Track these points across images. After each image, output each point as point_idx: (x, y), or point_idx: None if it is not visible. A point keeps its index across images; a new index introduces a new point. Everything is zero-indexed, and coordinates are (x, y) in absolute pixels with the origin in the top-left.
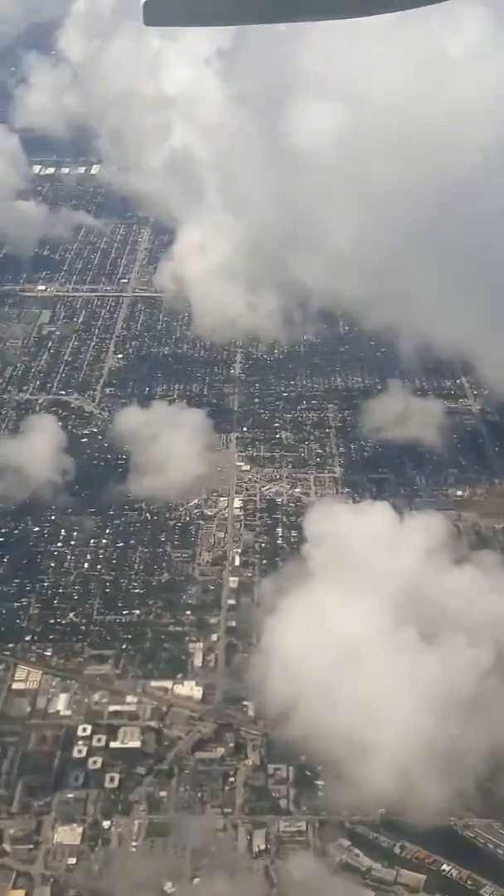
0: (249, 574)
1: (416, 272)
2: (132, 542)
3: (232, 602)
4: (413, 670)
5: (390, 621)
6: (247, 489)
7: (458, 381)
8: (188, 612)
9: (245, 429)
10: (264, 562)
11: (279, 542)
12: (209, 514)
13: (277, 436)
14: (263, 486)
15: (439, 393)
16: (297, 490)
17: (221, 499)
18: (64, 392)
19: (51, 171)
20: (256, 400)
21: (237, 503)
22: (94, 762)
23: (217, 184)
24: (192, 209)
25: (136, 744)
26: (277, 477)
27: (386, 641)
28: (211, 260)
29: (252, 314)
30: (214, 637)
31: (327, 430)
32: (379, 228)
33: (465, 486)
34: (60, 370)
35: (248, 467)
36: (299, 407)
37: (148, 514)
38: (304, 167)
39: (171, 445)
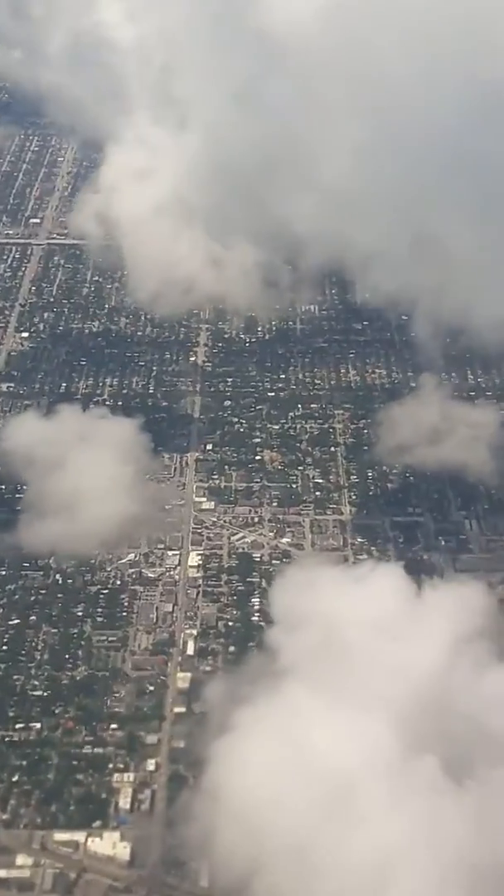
0: (208, 668)
1: (456, 214)
2: (32, 619)
3: (180, 711)
4: (433, 823)
5: (401, 747)
6: (209, 538)
7: None
8: (114, 727)
9: (210, 447)
10: (231, 649)
11: (254, 619)
12: (151, 576)
13: (258, 457)
14: (234, 535)
15: (495, 393)
16: (284, 540)
17: (170, 553)
18: None
19: None
20: (228, 403)
21: (194, 560)
22: None
23: (162, 81)
24: (129, 117)
25: None
26: (256, 520)
27: (394, 778)
28: (156, 192)
29: (218, 274)
30: (151, 765)
31: (333, 450)
32: (399, 147)
33: None
34: None
35: (211, 505)
36: (291, 414)
37: (58, 578)
38: (286, 58)
39: (93, 473)
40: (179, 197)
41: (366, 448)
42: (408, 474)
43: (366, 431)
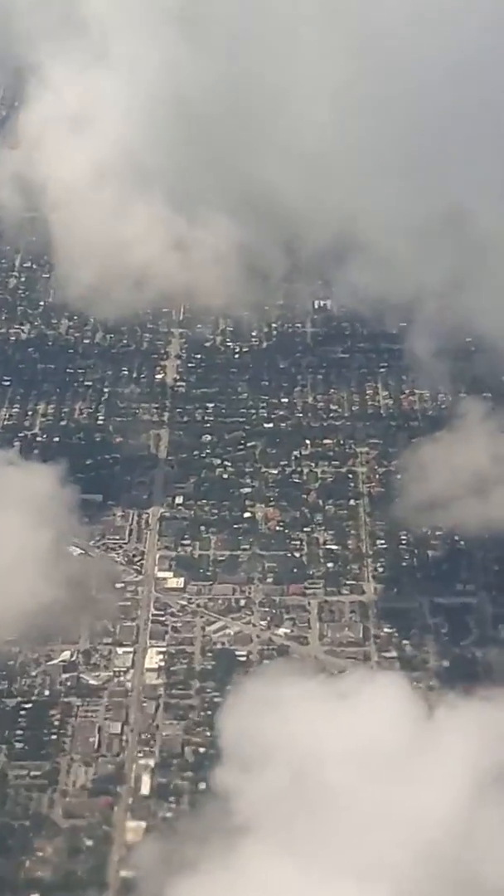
0: (169, 814)
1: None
2: None
3: (128, 876)
4: None
5: None
6: (175, 630)
7: None
8: None
9: (180, 500)
10: (201, 786)
11: None
12: (93, 683)
13: (247, 514)
14: (211, 624)
15: None
16: (281, 631)
17: (120, 651)
18: None
19: None
20: (207, 439)
21: (153, 660)
22: None
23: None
24: (56, 45)
25: None
26: (242, 603)
27: None
28: (96, 147)
29: (184, 259)
30: None
31: (353, 503)
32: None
33: None
34: None
35: (179, 582)
36: (296, 453)
37: None
38: None
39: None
40: (127, 153)
41: (399, 501)
42: (457, 538)
43: (399, 477)
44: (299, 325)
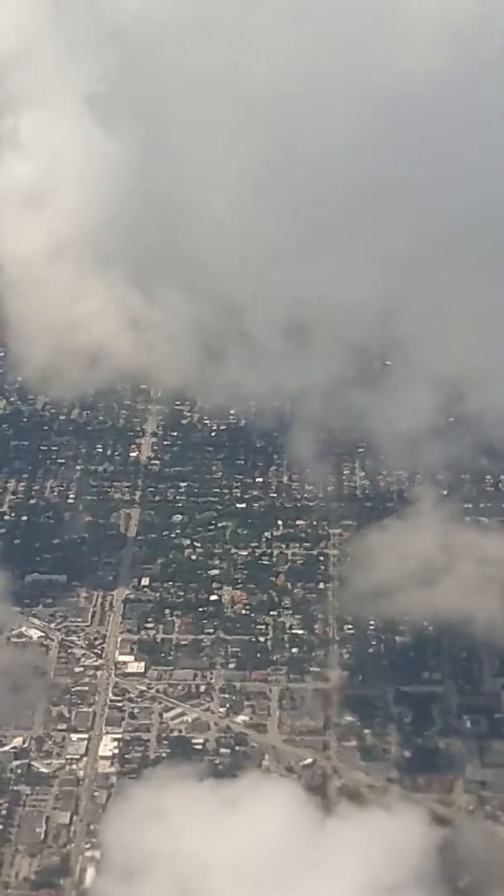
0: None
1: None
2: None
3: None
4: None
5: None
6: (132, 716)
7: None
8: None
9: (146, 581)
10: None
11: None
12: (43, 771)
13: (213, 597)
14: (169, 711)
15: None
16: (240, 718)
17: (74, 738)
18: None
19: None
20: (178, 518)
21: (107, 747)
22: None
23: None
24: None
25: None
26: (202, 689)
27: None
28: (53, 221)
29: (139, 338)
30: None
31: (322, 587)
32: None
33: None
34: None
35: (140, 666)
36: (267, 534)
37: None
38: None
39: None
40: (84, 228)
41: (365, 584)
42: (426, 624)
43: (365, 560)
44: (277, 403)
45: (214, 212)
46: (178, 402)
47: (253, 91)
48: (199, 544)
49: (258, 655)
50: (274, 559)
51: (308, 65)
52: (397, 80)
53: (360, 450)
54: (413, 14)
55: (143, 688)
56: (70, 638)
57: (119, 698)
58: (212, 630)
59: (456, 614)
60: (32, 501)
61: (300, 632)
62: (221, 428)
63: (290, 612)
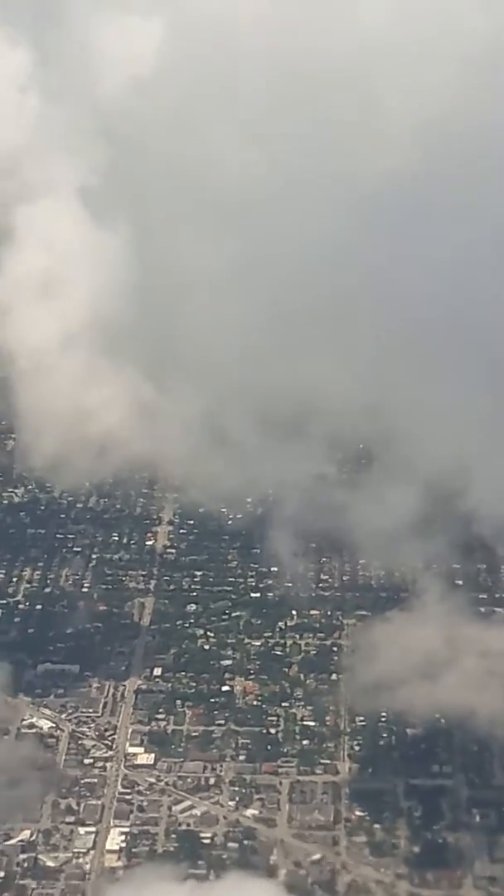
0: None
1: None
2: None
3: None
4: None
5: None
6: (141, 809)
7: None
8: None
9: (158, 672)
10: None
11: None
12: (50, 865)
13: (225, 688)
14: (178, 803)
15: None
16: (249, 812)
17: (82, 831)
18: None
19: None
20: (192, 608)
21: (115, 840)
22: None
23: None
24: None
25: None
26: (212, 781)
27: None
28: (65, 311)
29: (151, 428)
30: None
31: (334, 678)
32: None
33: None
34: None
35: (149, 758)
36: (281, 624)
37: None
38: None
39: None
40: (98, 318)
41: (376, 676)
42: (438, 716)
43: (378, 652)
44: (309, 490)
45: (202, 307)
46: (195, 489)
47: (235, 190)
48: (212, 634)
49: (269, 747)
50: (287, 649)
51: (289, 164)
52: (377, 179)
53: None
54: (390, 114)
55: (153, 780)
56: (81, 729)
57: (128, 791)
58: (223, 721)
59: (465, 707)
60: (47, 590)
61: (311, 723)
62: (238, 517)
63: (302, 703)
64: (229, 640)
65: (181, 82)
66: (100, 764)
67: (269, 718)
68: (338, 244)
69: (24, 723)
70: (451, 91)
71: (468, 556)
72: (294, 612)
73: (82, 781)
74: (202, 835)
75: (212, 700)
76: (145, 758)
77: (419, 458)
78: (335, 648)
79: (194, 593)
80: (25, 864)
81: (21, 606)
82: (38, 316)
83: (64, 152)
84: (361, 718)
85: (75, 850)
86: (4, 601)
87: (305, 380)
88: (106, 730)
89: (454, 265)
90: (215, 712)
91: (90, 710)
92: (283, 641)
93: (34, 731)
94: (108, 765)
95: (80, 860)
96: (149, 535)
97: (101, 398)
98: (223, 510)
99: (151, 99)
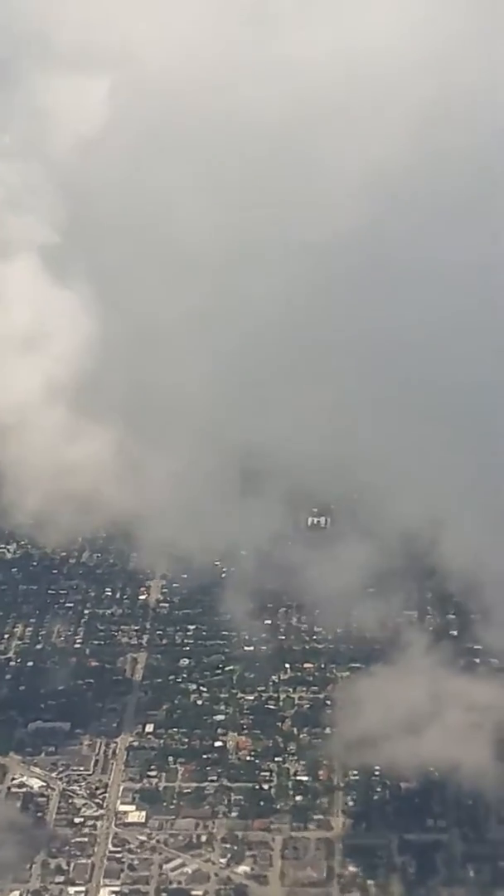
0: None
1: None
2: None
3: None
4: None
5: None
6: (132, 867)
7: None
8: None
9: (150, 728)
10: None
11: None
12: None
13: (218, 743)
14: (169, 861)
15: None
16: (241, 869)
17: (72, 891)
18: None
19: None
20: (185, 662)
21: None
22: None
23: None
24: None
25: None
26: (204, 839)
27: None
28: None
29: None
30: None
31: (328, 731)
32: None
33: None
34: None
35: (141, 816)
36: (275, 678)
37: None
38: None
39: None
40: (75, 373)
41: (363, 731)
42: (433, 769)
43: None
44: (290, 543)
45: (170, 361)
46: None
47: (191, 243)
48: (205, 689)
49: (261, 803)
50: (280, 703)
51: (240, 218)
52: (327, 232)
53: (370, 590)
54: (336, 170)
55: (144, 838)
56: (71, 787)
57: (119, 849)
58: (215, 777)
59: (457, 761)
60: (38, 646)
61: (305, 778)
62: (232, 569)
63: (296, 757)
64: (222, 695)
65: (131, 138)
66: (90, 822)
67: (262, 774)
68: (297, 297)
69: (14, 782)
70: (397, 150)
71: (440, 610)
72: (287, 666)
73: (72, 841)
74: (193, 893)
75: (204, 756)
76: (136, 815)
77: (387, 513)
78: (328, 702)
79: (187, 647)
80: None
81: (12, 663)
82: (17, 371)
83: (20, 211)
84: (355, 773)
85: None
86: None
87: (273, 435)
88: (97, 787)
89: (417, 319)
90: (208, 768)
91: (81, 768)
92: (276, 695)
93: (24, 789)
94: (98, 823)
95: None
96: (142, 589)
97: (83, 453)
98: (217, 563)
99: (103, 156)
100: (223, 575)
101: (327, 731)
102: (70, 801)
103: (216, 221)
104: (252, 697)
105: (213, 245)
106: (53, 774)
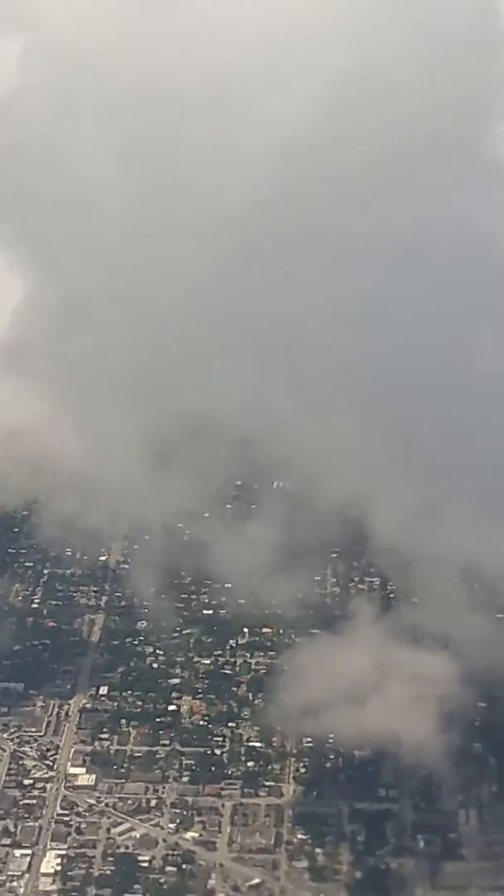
0: None
1: None
2: None
3: None
4: None
5: None
6: (79, 831)
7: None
8: None
9: (104, 690)
10: None
11: None
12: None
13: (172, 707)
14: (117, 826)
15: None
16: (189, 835)
17: (18, 854)
18: None
19: None
20: (142, 625)
21: (50, 864)
22: None
23: None
24: None
25: None
26: (154, 803)
27: None
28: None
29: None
30: None
31: (283, 698)
32: None
33: None
34: None
35: (90, 779)
36: (232, 642)
37: None
38: None
39: None
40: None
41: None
42: (387, 739)
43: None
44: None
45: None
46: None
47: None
48: (161, 652)
49: (213, 768)
50: (237, 668)
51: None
52: (234, 206)
53: (334, 555)
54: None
55: (93, 801)
56: (22, 748)
57: (67, 812)
58: (168, 742)
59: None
60: None
61: (258, 744)
62: (195, 531)
63: (249, 723)
64: (178, 659)
65: (45, 102)
66: (40, 785)
67: (215, 739)
68: (213, 268)
69: None
70: (310, 120)
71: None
72: (245, 630)
73: (21, 803)
74: (140, 858)
75: (157, 719)
76: (86, 778)
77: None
78: (285, 668)
79: (144, 610)
80: None
81: None
82: None
83: None
84: (308, 740)
85: (9, 874)
86: None
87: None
88: (48, 749)
89: (322, 289)
90: (160, 732)
91: (33, 730)
92: (233, 660)
93: None
94: (47, 785)
95: (14, 884)
96: (103, 550)
97: (33, 417)
98: (179, 525)
99: (14, 120)
100: (186, 536)
101: (278, 697)
102: (20, 762)
103: (131, 189)
104: (208, 662)
105: (128, 212)
106: (4, 735)
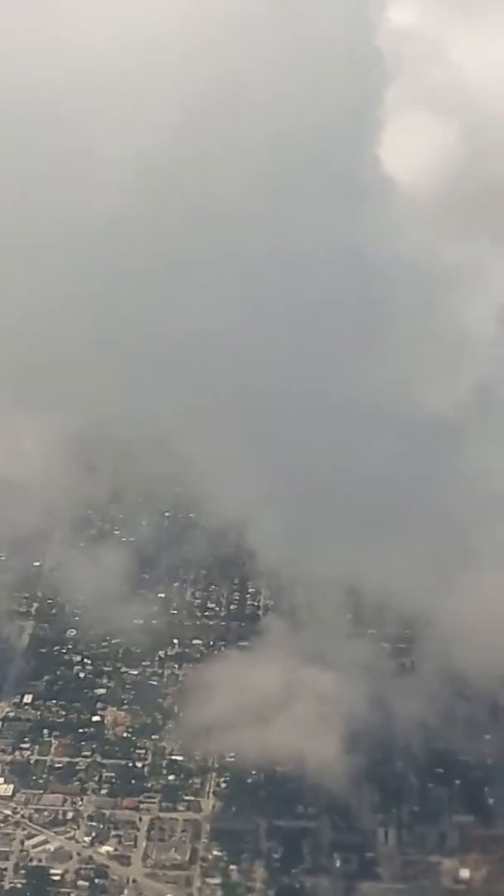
0: None
1: None
2: None
3: None
4: None
5: None
6: None
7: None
8: None
9: (28, 699)
10: None
11: None
12: None
13: (95, 717)
14: (32, 838)
15: None
16: (104, 849)
17: None
18: None
19: None
20: (72, 633)
21: None
22: None
23: None
24: None
25: None
26: (70, 815)
27: None
28: None
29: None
30: None
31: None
32: None
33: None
34: None
35: (8, 789)
36: (161, 653)
37: None
38: None
39: None
40: None
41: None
42: (309, 752)
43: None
44: (192, 515)
45: None
46: (89, 511)
47: None
48: (88, 661)
49: (133, 781)
50: (164, 679)
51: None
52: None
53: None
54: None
55: (9, 812)
56: None
57: None
58: (89, 753)
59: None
60: None
61: (179, 757)
62: (131, 539)
63: (174, 736)
64: (105, 668)
65: None
66: None
67: (138, 751)
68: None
69: None
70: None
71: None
72: (175, 641)
73: None
74: (52, 871)
75: (80, 730)
76: (4, 788)
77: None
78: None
79: (76, 618)
80: None
81: None
82: None
83: None
84: (231, 754)
85: None
86: None
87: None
88: None
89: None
90: (82, 743)
91: None
92: (160, 671)
93: None
94: None
95: None
96: (36, 556)
97: None
98: (116, 532)
99: None
100: (122, 544)
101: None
102: None
103: None
104: (136, 672)
105: None
106: None
